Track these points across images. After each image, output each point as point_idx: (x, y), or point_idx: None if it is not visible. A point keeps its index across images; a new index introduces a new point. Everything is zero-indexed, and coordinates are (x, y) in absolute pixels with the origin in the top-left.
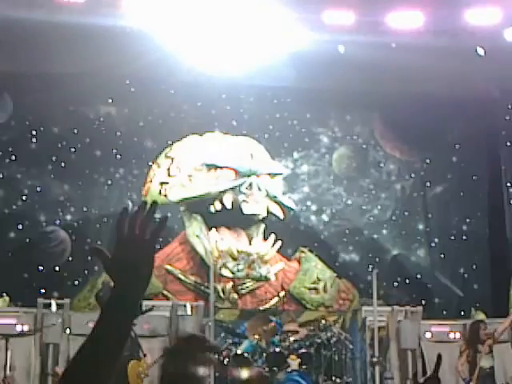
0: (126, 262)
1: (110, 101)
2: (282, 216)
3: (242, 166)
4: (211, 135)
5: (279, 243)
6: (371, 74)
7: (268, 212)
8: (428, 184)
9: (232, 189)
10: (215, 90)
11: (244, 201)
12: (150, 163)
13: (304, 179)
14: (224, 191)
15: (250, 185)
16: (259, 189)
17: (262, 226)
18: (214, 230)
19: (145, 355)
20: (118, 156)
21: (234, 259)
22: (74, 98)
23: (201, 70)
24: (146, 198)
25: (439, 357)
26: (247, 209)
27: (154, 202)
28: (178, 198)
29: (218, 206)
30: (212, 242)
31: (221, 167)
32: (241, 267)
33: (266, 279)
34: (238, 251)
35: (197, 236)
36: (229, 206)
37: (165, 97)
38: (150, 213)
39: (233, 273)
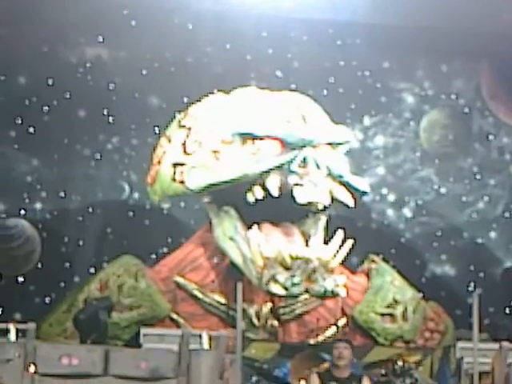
0: None
1: (101, 39)
2: (351, 203)
3: (292, 133)
4: (245, 91)
5: (350, 243)
6: (478, 4)
7: (332, 199)
8: None
9: (279, 167)
10: (251, 25)
11: (297, 184)
12: (156, 130)
13: (378, 156)
14: (267, 171)
15: (305, 160)
16: (317, 166)
17: (323, 218)
18: (255, 227)
19: None
20: (111, 119)
21: (287, 269)
22: (49, 35)
23: None
24: (153, 186)
25: None
26: (302, 195)
27: None
28: (200, 186)
29: (258, 193)
30: (253, 246)
31: (260, 137)
32: (297, 280)
33: (334, 295)
34: (291, 257)
35: (230, 238)
36: (275, 193)
37: (179, 34)
38: None
39: (286, 288)
